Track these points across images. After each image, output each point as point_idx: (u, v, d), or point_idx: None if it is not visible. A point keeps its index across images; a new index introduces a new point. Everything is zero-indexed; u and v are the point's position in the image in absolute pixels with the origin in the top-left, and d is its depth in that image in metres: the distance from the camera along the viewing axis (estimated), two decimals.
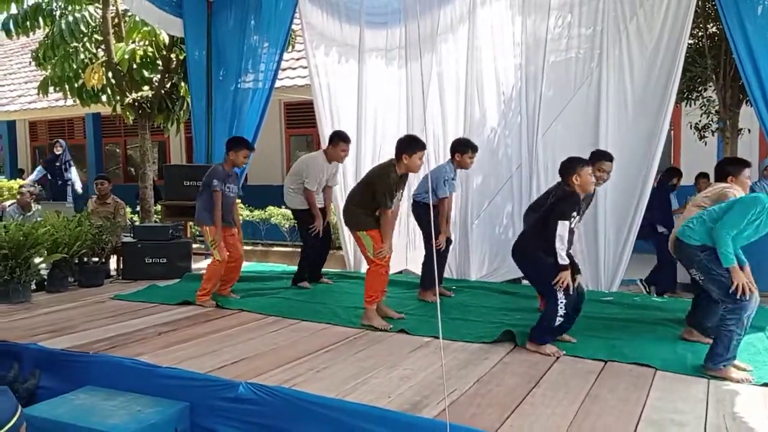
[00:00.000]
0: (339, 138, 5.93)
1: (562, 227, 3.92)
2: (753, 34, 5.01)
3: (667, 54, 5.65)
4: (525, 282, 4.37)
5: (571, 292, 3.95)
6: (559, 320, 3.96)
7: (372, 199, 4.61)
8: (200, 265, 7.49)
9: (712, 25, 6.77)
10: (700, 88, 7.09)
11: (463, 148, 5.41)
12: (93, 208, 7.47)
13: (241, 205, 9.43)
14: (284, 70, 10.59)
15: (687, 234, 3.80)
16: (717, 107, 6.97)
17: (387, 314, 4.80)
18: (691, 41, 6.33)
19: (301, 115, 12.69)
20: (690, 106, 7.31)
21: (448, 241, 5.72)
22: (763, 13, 5.04)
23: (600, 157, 4.67)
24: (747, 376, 3.57)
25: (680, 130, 9.31)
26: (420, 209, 5.46)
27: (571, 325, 4.09)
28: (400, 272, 6.78)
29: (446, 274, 6.43)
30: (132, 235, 6.80)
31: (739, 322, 3.56)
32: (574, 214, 4.04)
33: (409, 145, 4.60)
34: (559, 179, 4.35)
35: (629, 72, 5.88)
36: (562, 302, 3.93)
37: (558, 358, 3.92)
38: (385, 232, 4.62)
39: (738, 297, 3.54)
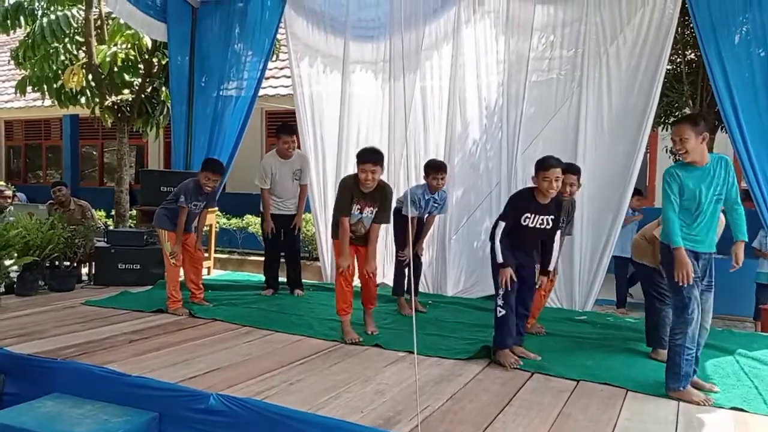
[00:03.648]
0: (280, 131, 5.98)
1: (499, 227, 4.14)
2: (730, 62, 5.12)
3: (646, 78, 5.76)
4: None
5: (509, 289, 4.09)
6: (500, 312, 4.10)
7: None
8: None
9: (690, 51, 6.91)
10: (677, 113, 7.22)
11: (426, 170, 5.40)
12: (54, 215, 7.16)
13: (218, 213, 9.36)
14: (267, 79, 10.58)
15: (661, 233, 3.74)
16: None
17: (368, 329, 4.79)
18: (669, 67, 6.45)
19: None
20: (666, 130, 7.44)
21: (418, 259, 5.71)
22: (740, 42, 5.16)
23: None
24: (707, 398, 3.58)
25: (656, 153, 9.45)
26: (394, 216, 5.49)
27: (519, 324, 4.21)
28: (378, 285, 6.75)
29: (422, 289, 6.43)
30: (106, 239, 6.70)
31: (686, 336, 3.54)
32: (528, 214, 4.13)
33: (359, 156, 4.51)
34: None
35: (608, 94, 5.97)
36: (499, 296, 4.11)
37: (516, 367, 4.01)
38: (341, 242, 4.54)
39: (681, 287, 3.50)
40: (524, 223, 4.16)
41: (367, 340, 4.59)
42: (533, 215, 4.16)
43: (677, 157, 3.73)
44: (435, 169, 5.34)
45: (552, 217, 4.23)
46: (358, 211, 4.58)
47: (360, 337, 4.60)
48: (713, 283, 3.73)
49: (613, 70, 5.93)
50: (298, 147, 6.28)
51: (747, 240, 3.69)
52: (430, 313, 5.59)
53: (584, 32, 6.00)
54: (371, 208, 4.59)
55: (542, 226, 4.19)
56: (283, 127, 6.05)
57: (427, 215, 5.58)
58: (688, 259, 3.51)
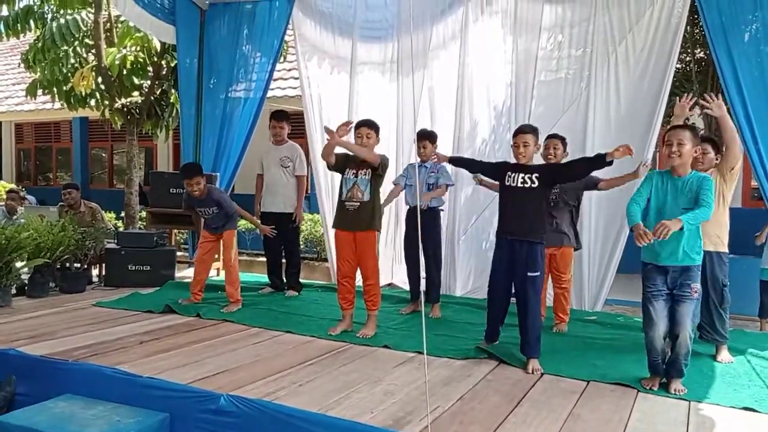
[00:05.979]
0: (271, 117, 6.22)
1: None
2: (739, 60, 5.09)
3: (655, 78, 5.73)
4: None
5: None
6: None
7: None
8: (183, 273, 7.44)
9: (699, 50, 6.88)
10: None
11: None
12: (65, 217, 7.22)
13: None
14: (275, 80, 10.59)
15: None
16: (702, 131, 7.06)
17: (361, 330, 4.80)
18: (678, 66, 6.42)
19: (291, 126, 12.68)
20: None
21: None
22: (750, 41, 5.13)
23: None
24: (653, 384, 3.75)
25: None
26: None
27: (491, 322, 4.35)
28: (386, 286, 6.76)
29: None
30: (116, 241, 6.73)
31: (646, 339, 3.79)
32: (509, 172, 4.25)
33: (356, 125, 4.85)
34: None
35: (616, 94, 5.95)
36: None
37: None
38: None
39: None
40: (507, 183, 4.23)
41: (376, 341, 4.59)
42: (514, 173, 4.22)
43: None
44: (417, 137, 5.37)
45: (536, 174, 4.14)
46: (353, 174, 4.74)
47: (334, 332, 4.74)
48: (690, 295, 3.59)
49: (622, 70, 5.91)
50: (307, 148, 6.29)
51: (685, 223, 3.43)
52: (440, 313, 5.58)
53: (593, 32, 5.99)
54: (365, 170, 4.73)
55: (524, 185, 4.15)
56: (273, 112, 6.18)
57: (431, 186, 5.45)
58: (642, 227, 3.53)
